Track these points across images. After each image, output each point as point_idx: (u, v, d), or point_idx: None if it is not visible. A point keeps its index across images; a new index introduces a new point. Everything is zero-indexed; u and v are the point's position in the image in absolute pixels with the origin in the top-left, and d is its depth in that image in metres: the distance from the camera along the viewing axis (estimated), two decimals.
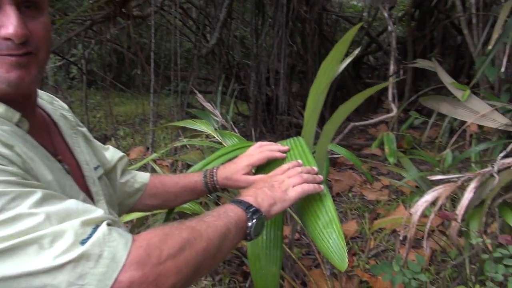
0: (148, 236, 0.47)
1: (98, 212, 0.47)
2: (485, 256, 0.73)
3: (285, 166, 0.72)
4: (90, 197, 0.62)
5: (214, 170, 0.81)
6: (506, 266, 0.72)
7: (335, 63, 0.69)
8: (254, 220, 0.58)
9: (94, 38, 3.20)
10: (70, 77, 6.31)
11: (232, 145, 1.28)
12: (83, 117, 3.30)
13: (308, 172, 0.71)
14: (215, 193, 0.88)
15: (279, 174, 0.70)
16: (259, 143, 0.84)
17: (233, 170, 0.78)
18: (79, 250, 0.42)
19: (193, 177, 0.82)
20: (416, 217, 1.12)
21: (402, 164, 1.79)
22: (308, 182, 0.68)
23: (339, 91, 4.87)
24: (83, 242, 0.42)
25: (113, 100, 6.32)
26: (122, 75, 6.56)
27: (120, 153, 0.82)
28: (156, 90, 2.59)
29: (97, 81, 5.40)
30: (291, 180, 0.67)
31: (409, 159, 1.83)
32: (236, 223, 0.56)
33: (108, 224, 0.46)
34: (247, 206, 0.59)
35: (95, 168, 0.67)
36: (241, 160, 0.80)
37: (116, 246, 0.43)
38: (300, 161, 0.75)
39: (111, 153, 0.80)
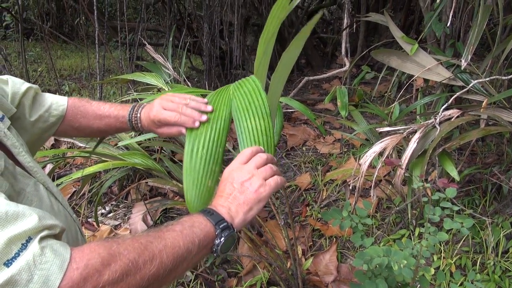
0: (89, 255, 0.40)
1: (30, 219, 0.39)
2: (424, 199, 0.79)
3: (247, 151, 0.63)
4: (6, 152, 0.56)
5: (140, 110, 0.76)
6: (443, 208, 0.79)
7: (282, 8, 0.68)
8: (223, 239, 0.53)
9: None
10: (3, 26, 5.74)
11: (178, 88, 1.25)
12: (22, 70, 3.04)
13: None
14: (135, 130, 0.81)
15: (244, 162, 0.62)
16: (184, 96, 0.73)
17: (152, 117, 0.72)
18: (3, 274, 0.35)
19: (119, 113, 0.76)
20: (364, 167, 1.18)
21: (353, 117, 1.85)
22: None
23: None
24: (8, 263, 0.36)
25: (55, 53, 5.88)
26: (64, 25, 6.06)
27: (24, 86, 0.71)
28: (103, 42, 2.42)
29: (36, 31, 4.96)
30: (261, 174, 0.60)
31: (360, 113, 1.89)
32: (201, 242, 0.51)
33: (42, 238, 0.39)
34: (217, 221, 0.54)
35: (1, 119, 0.59)
36: (155, 112, 0.72)
37: (49, 268, 0.37)
38: (261, 147, 0.66)
39: (13, 89, 0.69)
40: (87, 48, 2.90)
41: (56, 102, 0.75)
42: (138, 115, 0.75)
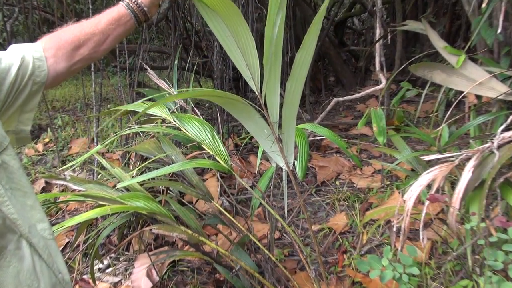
0: None
1: None
2: (481, 242, 0.78)
3: None
4: None
5: None
6: (507, 252, 0.77)
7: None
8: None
9: (17, 5, 3.08)
10: None
11: (186, 118, 1.30)
12: None
13: None
14: (146, 21, 0.99)
15: None
16: None
17: None
18: None
19: (116, 13, 0.94)
20: (409, 204, 1.17)
21: (394, 144, 1.85)
22: None
23: (320, 61, 4.93)
24: None
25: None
26: None
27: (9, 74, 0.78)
28: (99, 67, 2.54)
29: None
30: None
31: (402, 138, 1.89)
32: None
33: None
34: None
35: None
36: None
37: None
38: None
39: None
40: (81, 75, 3.04)
41: (38, 67, 0.83)
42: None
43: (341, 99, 2.32)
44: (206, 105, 5.81)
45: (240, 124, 4.07)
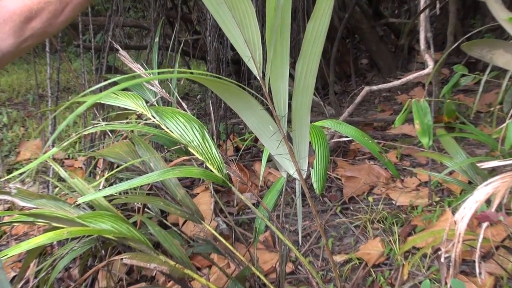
0: None
1: None
2: None
3: None
4: None
5: None
6: None
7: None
8: None
9: None
10: None
11: (168, 112, 1.33)
12: None
13: None
14: None
15: None
16: None
17: None
18: None
19: None
20: (462, 226, 1.17)
21: (445, 147, 1.85)
22: None
23: (349, 39, 4.94)
24: None
25: None
26: None
27: None
28: (57, 47, 2.56)
29: None
30: None
31: (456, 139, 1.89)
32: None
33: None
34: None
35: None
36: None
37: None
38: None
39: None
40: (34, 57, 3.06)
41: None
42: None
43: (375, 87, 2.33)
44: (198, 97, 5.86)
45: (242, 121, 4.10)
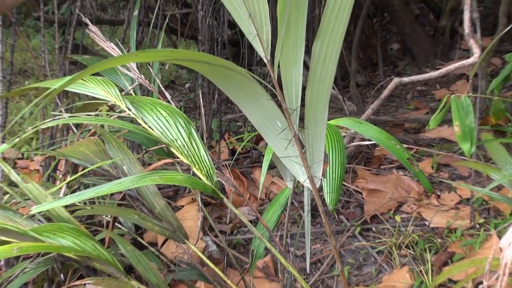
0: None
1: None
2: None
3: None
4: None
5: None
6: None
7: None
8: None
9: None
10: None
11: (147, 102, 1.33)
12: None
13: None
14: None
15: None
16: None
17: None
18: None
19: None
20: (509, 255, 1.17)
21: (491, 155, 1.85)
22: None
23: (377, 18, 4.94)
24: None
25: None
26: None
27: None
28: (12, 19, 2.56)
29: None
30: None
31: (504, 146, 1.89)
32: None
33: None
34: None
35: None
36: None
37: None
38: None
39: None
40: None
41: None
42: None
43: (406, 79, 2.33)
44: (186, 85, 5.87)
45: (240, 117, 4.11)
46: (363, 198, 2.79)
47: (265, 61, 1.01)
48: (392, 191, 2.80)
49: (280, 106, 1.10)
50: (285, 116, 1.10)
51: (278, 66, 1.03)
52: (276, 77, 1.03)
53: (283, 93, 1.07)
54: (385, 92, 2.41)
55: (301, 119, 1.12)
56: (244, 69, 1.00)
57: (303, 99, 1.08)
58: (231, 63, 0.96)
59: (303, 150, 1.16)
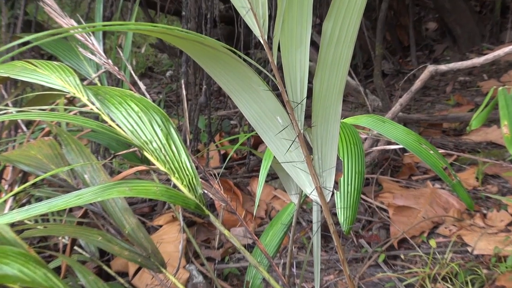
0: None
1: None
2: None
3: None
4: None
5: None
6: None
7: None
8: None
9: None
10: None
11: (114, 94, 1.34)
12: None
13: None
14: None
15: None
16: None
17: None
18: None
19: None
20: None
21: None
22: None
23: None
24: None
25: None
26: None
27: None
28: None
29: None
30: None
31: None
32: None
33: None
34: None
35: None
36: None
37: None
38: None
39: None
40: None
41: None
42: None
43: (444, 67, 2.34)
44: (167, 73, 5.87)
45: (234, 114, 4.10)
46: (389, 217, 2.79)
47: (261, 41, 1.01)
48: (426, 209, 2.80)
49: (281, 98, 1.10)
50: (287, 111, 1.10)
51: (279, 49, 1.02)
52: (274, 60, 1.03)
53: (285, 82, 1.07)
54: (417, 83, 2.41)
55: (309, 115, 1.12)
56: (235, 52, 0.99)
57: (310, 91, 1.08)
58: (220, 43, 0.96)
59: (310, 154, 1.16)
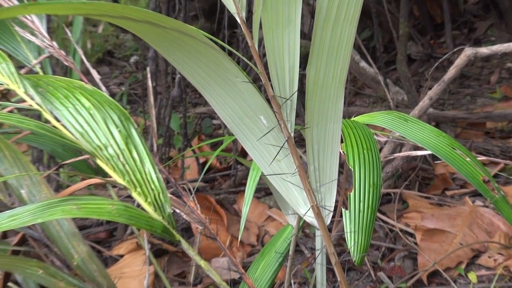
0: None
1: None
2: None
3: None
4: None
5: None
6: None
7: None
8: None
9: None
10: None
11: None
12: None
13: None
14: None
15: None
16: None
17: None
18: None
19: None
20: None
21: None
22: None
23: None
24: None
25: None
26: None
27: None
28: None
29: None
30: None
31: None
32: None
33: None
34: None
35: None
36: None
37: None
38: None
39: None
40: None
41: None
42: None
43: (485, 49, 2.34)
44: (131, 58, 5.87)
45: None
46: (416, 243, 2.79)
47: (237, 19, 1.01)
48: (464, 233, 2.80)
49: (264, 90, 1.10)
50: (273, 109, 1.10)
51: (260, 28, 1.02)
52: (256, 47, 1.03)
53: (270, 72, 1.06)
54: (452, 71, 2.42)
55: (298, 116, 1.12)
56: (204, 34, 0.99)
57: (303, 82, 1.08)
58: (186, 25, 0.95)
59: (304, 164, 1.16)
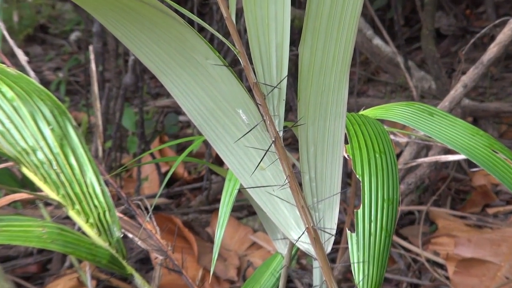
0: None
1: None
2: None
3: None
4: None
5: None
6: None
7: None
8: None
9: None
10: None
11: None
12: None
13: None
14: None
15: None
16: None
17: None
18: None
19: None
20: None
21: None
22: None
23: None
24: None
25: None
26: None
27: None
28: None
29: None
30: None
31: None
32: None
33: None
34: None
35: None
36: None
37: None
38: None
39: None
40: None
41: None
42: None
43: None
44: (72, 35, 5.88)
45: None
46: (448, 277, 2.79)
47: None
48: (509, 262, 2.81)
49: (245, 80, 1.09)
50: (255, 101, 1.09)
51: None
52: (233, 19, 1.02)
53: (251, 52, 1.05)
54: (493, 50, 2.43)
55: (293, 108, 1.11)
56: (165, 0, 0.98)
57: (295, 66, 1.07)
58: None
59: (297, 173, 1.15)
